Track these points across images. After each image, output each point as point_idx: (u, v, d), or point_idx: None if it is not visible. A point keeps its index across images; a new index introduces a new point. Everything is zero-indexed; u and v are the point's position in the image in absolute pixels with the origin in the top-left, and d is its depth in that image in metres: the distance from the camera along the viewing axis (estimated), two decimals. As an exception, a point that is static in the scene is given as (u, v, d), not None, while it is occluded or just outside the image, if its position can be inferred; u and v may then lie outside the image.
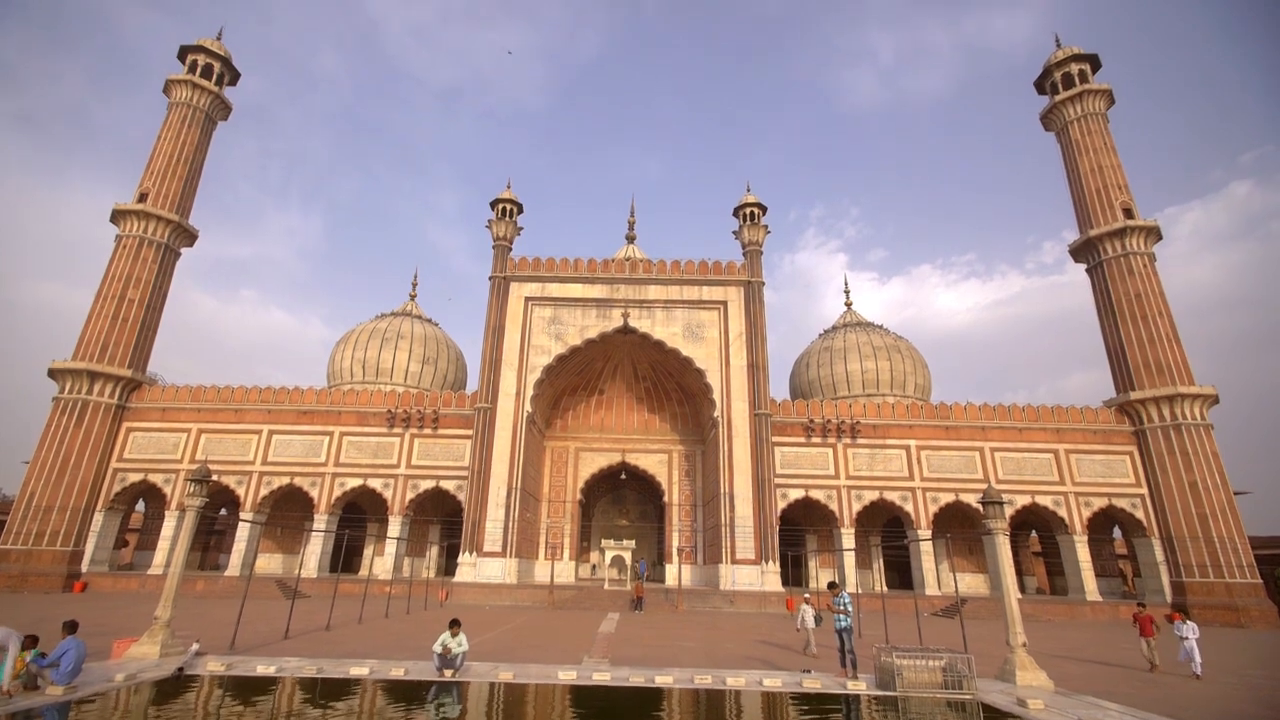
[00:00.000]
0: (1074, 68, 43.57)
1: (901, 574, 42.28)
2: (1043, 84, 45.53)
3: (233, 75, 47.04)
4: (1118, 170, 41.44)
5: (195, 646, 13.82)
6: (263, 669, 12.71)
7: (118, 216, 41.11)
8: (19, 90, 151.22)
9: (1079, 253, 42.00)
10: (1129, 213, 40.17)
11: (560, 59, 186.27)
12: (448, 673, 12.41)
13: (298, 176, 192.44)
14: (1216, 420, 36.58)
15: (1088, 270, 41.82)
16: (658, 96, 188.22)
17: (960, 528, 39.74)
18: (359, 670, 12.68)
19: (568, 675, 12.75)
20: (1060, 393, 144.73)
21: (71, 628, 10.78)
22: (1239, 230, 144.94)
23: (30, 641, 10.45)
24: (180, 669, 12.38)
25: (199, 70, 44.91)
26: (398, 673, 12.70)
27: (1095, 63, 43.73)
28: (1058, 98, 43.51)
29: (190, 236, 43.78)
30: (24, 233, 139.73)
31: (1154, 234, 39.64)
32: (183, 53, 45.24)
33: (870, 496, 37.67)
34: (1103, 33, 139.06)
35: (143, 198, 41.47)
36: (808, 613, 18.09)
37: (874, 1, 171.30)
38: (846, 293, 55.50)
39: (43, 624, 11.53)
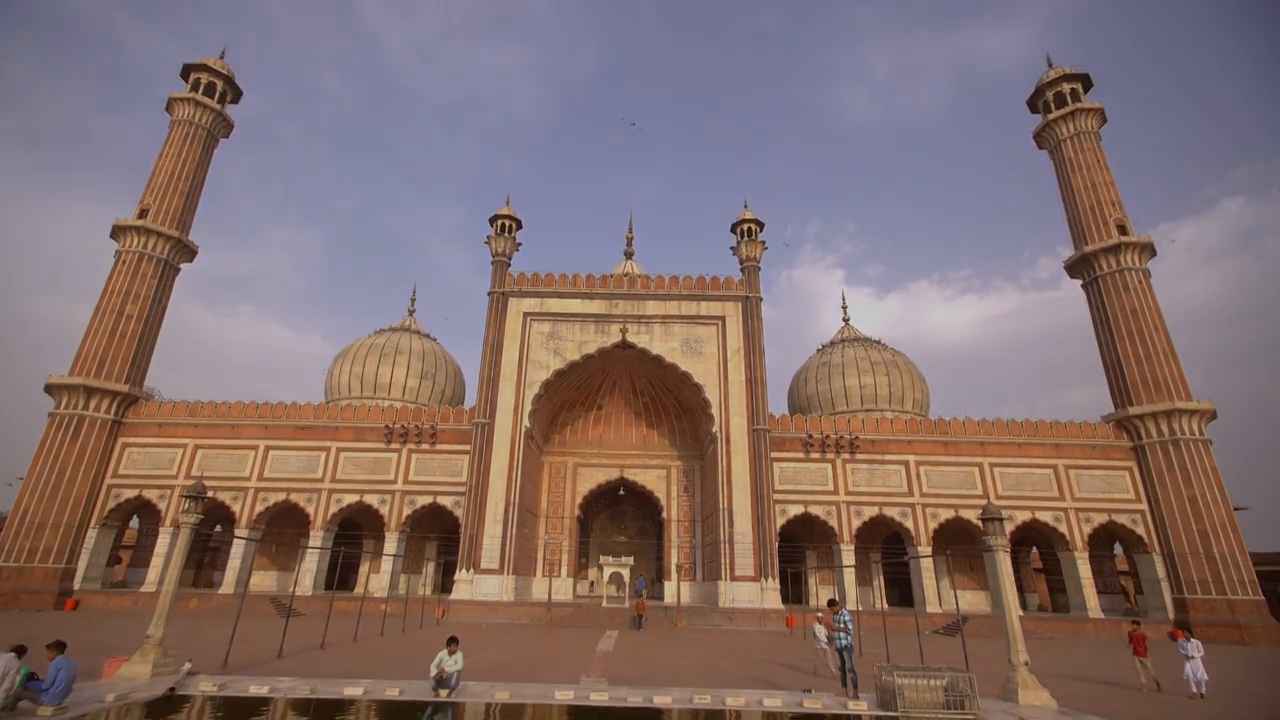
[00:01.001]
0: (1066, 87, 44.21)
1: (902, 591, 41.96)
2: (1035, 103, 46.17)
3: (235, 93, 47.54)
4: (1111, 187, 41.86)
5: (187, 666, 13.65)
6: (256, 689, 12.53)
7: (118, 232, 41.28)
8: (21, 106, 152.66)
9: (1074, 269, 42.27)
10: (1123, 229, 40.50)
11: (559, 76, 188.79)
12: (443, 693, 12.27)
13: (298, 192, 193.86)
14: (1215, 435, 36.63)
15: (1083, 286, 42.06)
16: (656, 113, 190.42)
17: (960, 544, 39.50)
18: (353, 691, 12.51)
19: (565, 695, 12.60)
20: (1059, 408, 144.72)
21: (60, 647, 10.62)
22: (1233, 245, 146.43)
23: (19, 651, 10.28)
24: (172, 689, 12.23)
25: (201, 88, 45.41)
26: (392, 693, 12.54)
27: (1087, 82, 44.38)
28: (1050, 116, 44.09)
29: (190, 252, 43.96)
30: (24, 247, 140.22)
31: (1148, 250, 39.96)
32: (186, 71, 45.78)
33: (870, 512, 37.50)
34: (1094, 50, 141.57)
35: (143, 214, 41.68)
36: (819, 631, 17.85)
37: (868, 20, 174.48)
38: (844, 308, 55.73)
39: (32, 643, 11.38)
